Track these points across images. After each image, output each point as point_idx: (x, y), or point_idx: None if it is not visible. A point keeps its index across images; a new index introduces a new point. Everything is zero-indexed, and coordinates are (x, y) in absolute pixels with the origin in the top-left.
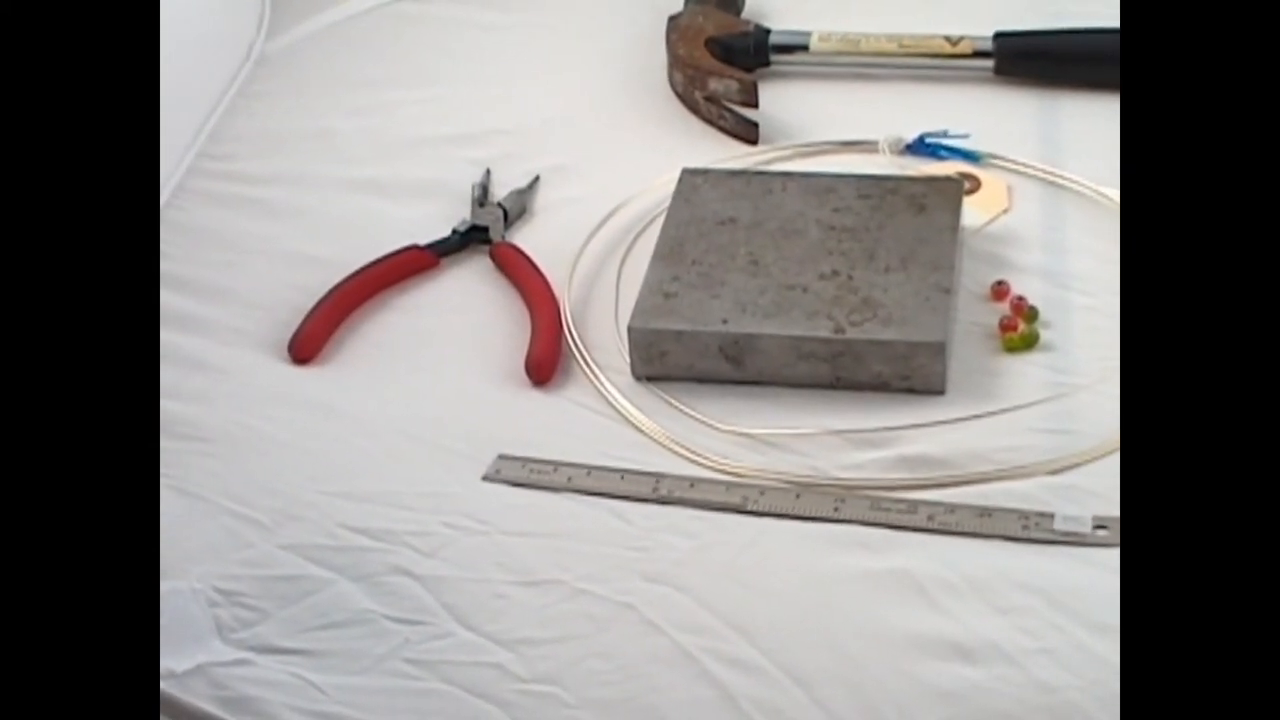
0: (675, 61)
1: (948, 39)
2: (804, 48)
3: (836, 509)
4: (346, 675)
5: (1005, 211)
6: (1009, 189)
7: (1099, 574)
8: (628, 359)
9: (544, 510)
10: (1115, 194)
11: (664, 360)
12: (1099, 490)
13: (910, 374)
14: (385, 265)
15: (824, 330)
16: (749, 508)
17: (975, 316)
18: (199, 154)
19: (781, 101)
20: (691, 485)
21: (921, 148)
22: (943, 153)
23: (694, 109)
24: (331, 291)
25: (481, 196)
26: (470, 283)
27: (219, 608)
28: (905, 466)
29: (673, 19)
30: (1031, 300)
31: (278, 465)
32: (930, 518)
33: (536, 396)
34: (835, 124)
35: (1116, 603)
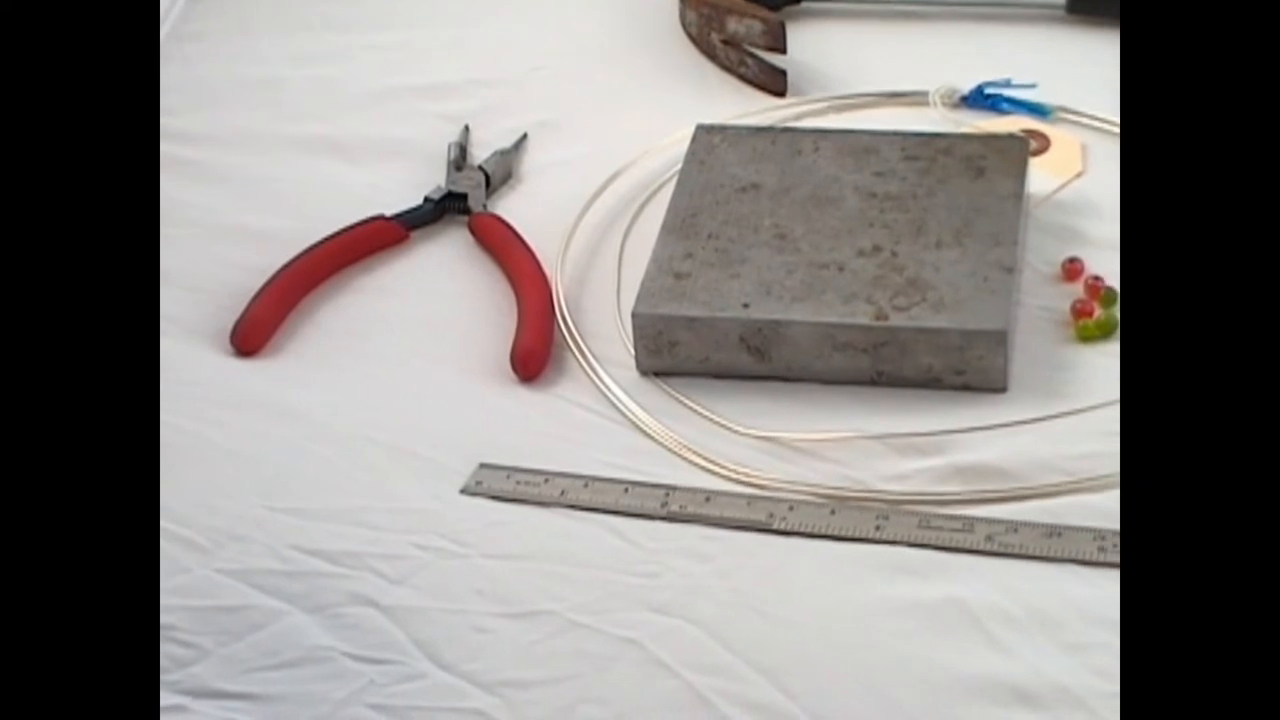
0: None
1: None
2: None
3: (878, 527)
4: None
5: (1079, 175)
6: (1083, 149)
7: None
8: (631, 350)
9: (533, 529)
10: None
11: (674, 352)
12: None
13: (965, 368)
14: (345, 239)
15: (863, 316)
16: (775, 526)
17: (1042, 300)
18: None
19: (813, 45)
20: (707, 499)
21: (980, 100)
22: (1005, 105)
23: (710, 54)
24: (282, 271)
25: (459, 159)
26: (446, 260)
27: None
28: (959, 478)
29: None
30: (1109, 281)
31: (219, 476)
32: (989, 538)
33: (524, 394)
34: (877, 72)
35: None
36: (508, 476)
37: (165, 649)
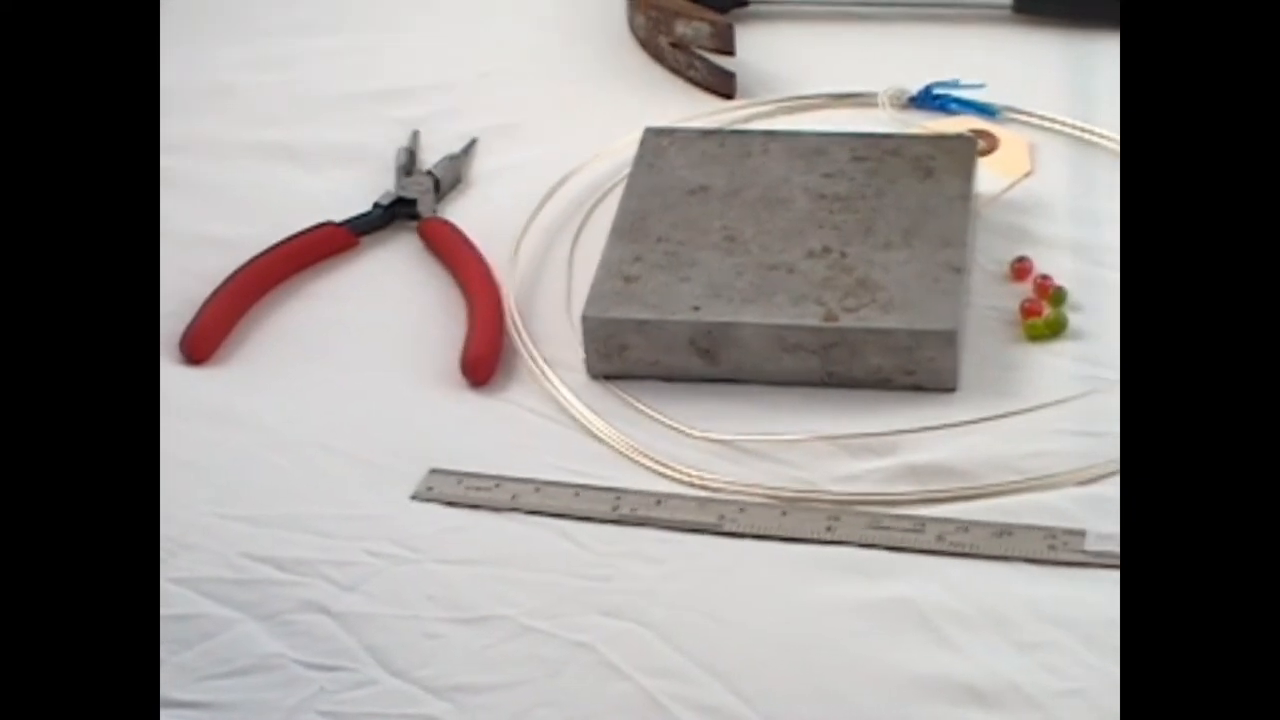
0: (636, 1)
1: None
2: None
3: (829, 528)
4: None
5: (1027, 175)
6: (1031, 148)
7: None
8: (582, 354)
9: (484, 533)
10: None
11: (624, 355)
12: None
13: (915, 368)
14: (295, 245)
15: (813, 318)
16: (726, 528)
17: (992, 300)
18: None
19: (762, 47)
20: (658, 502)
21: (928, 101)
22: (953, 106)
23: (659, 57)
24: (231, 277)
25: (408, 164)
26: (396, 265)
27: None
28: (911, 477)
29: None
30: (1058, 280)
31: (168, 485)
32: (940, 537)
33: (475, 400)
34: (826, 74)
35: None
36: (458, 482)
37: None
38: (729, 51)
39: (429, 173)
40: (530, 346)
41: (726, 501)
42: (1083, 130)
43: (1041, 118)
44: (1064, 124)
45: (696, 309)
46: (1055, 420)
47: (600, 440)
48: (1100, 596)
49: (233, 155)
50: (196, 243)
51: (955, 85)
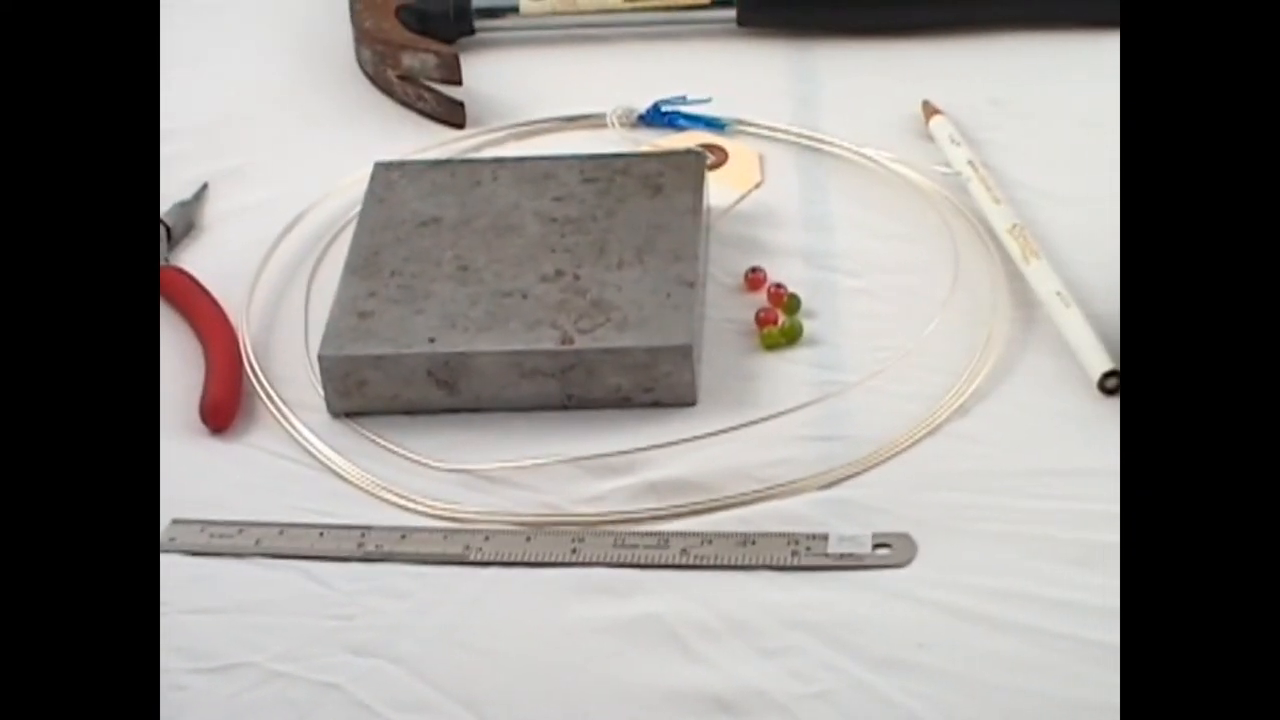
0: (362, 36)
1: None
2: (513, 9)
3: (575, 550)
4: None
5: (758, 186)
6: (760, 159)
7: (881, 600)
8: (322, 393)
9: (228, 580)
10: (879, 155)
11: (364, 391)
12: (878, 503)
13: (654, 385)
14: None
15: (549, 341)
16: (472, 557)
17: (727, 312)
18: None
19: (490, 75)
20: (403, 537)
21: (657, 118)
22: (682, 122)
23: (388, 90)
24: None
25: None
26: None
27: None
28: (653, 494)
29: None
30: (792, 287)
31: None
32: (683, 551)
33: (215, 446)
34: (555, 98)
35: (901, 634)
36: (201, 530)
37: None
38: (456, 81)
39: (160, 221)
40: (269, 389)
41: (472, 531)
42: (809, 138)
43: (770, 129)
44: (791, 133)
45: (432, 340)
46: (794, 427)
47: (343, 478)
48: (843, 597)
49: None
50: None
51: (683, 101)
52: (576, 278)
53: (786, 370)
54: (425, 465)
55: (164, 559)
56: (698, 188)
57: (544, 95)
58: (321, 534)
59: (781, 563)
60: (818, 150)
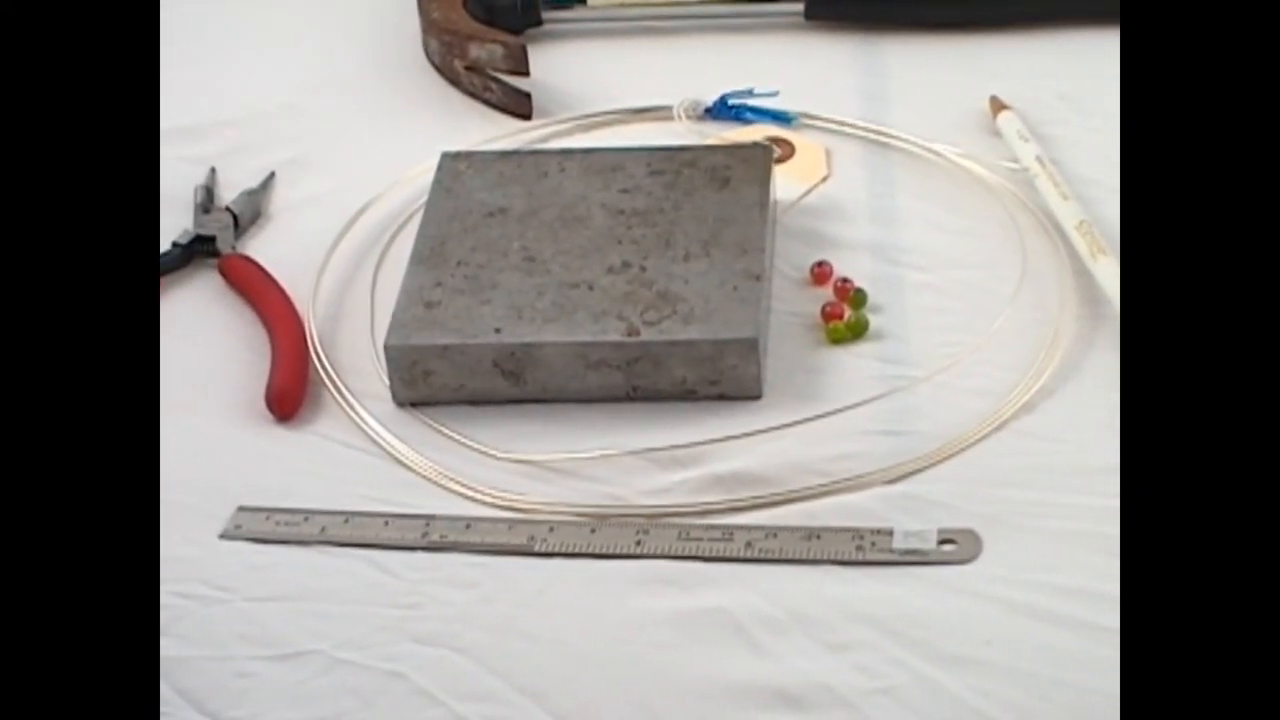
0: (429, 26)
1: None
2: (580, 1)
3: (639, 542)
4: None
5: (824, 179)
6: (827, 153)
7: (946, 597)
8: (387, 383)
9: (294, 569)
10: (946, 149)
11: (429, 381)
12: (943, 499)
13: (719, 378)
14: None
15: (615, 333)
16: (537, 548)
17: (793, 305)
18: None
19: (557, 67)
20: (468, 526)
21: (724, 111)
22: (749, 115)
23: (455, 81)
24: None
25: (205, 201)
26: (196, 304)
27: None
28: (719, 487)
29: None
30: (858, 282)
31: None
32: (749, 545)
33: (281, 434)
34: (622, 90)
35: (966, 631)
36: (267, 518)
37: None
38: (524, 72)
39: (227, 209)
40: (335, 378)
41: (536, 522)
42: (876, 133)
43: (836, 122)
44: (858, 127)
45: (498, 331)
46: (859, 421)
47: (408, 467)
48: (908, 593)
49: None
50: None
51: (750, 94)
52: (643, 270)
53: (852, 364)
54: (490, 455)
55: (229, 546)
56: (764, 181)
57: (610, 87)
58: (386, 523)
59: (846, 558)
60: (884, 145)
